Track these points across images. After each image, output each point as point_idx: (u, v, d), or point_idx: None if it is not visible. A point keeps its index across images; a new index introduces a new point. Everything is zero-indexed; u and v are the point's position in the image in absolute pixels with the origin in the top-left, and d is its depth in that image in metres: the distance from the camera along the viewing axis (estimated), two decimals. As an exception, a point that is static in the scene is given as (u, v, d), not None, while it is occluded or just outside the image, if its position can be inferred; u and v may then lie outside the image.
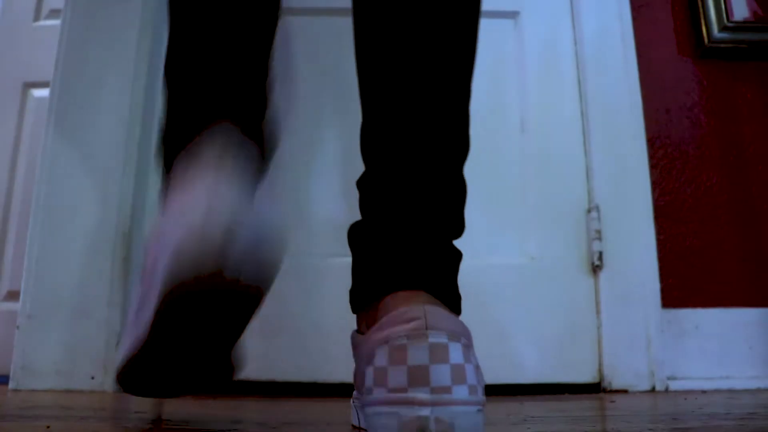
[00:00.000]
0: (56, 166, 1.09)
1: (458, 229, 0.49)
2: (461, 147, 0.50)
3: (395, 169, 0.47)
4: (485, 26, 1.37)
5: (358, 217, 0.50)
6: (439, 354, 0.38)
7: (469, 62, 0.51)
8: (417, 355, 0.37)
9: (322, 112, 1.20)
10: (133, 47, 1.14)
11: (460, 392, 0.37)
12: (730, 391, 1.05)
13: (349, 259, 0.50)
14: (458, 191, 0.49)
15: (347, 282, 0.50)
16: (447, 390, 0.37)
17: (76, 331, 1.04)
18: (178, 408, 0.72)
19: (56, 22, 1.24)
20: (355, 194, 0.51)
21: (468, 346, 0.40)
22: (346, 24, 0.54)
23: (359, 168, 0.51)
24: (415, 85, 0.48)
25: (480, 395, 0.39)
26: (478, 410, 0.39)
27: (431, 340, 0.38)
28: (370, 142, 0.50)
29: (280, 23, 0.57)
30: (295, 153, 1.16)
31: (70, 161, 1.10)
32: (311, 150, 1.18)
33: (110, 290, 1.05)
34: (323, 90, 1.20)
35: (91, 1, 1.16)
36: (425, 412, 0.36)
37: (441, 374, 0.37)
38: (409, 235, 0.45)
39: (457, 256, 0.48)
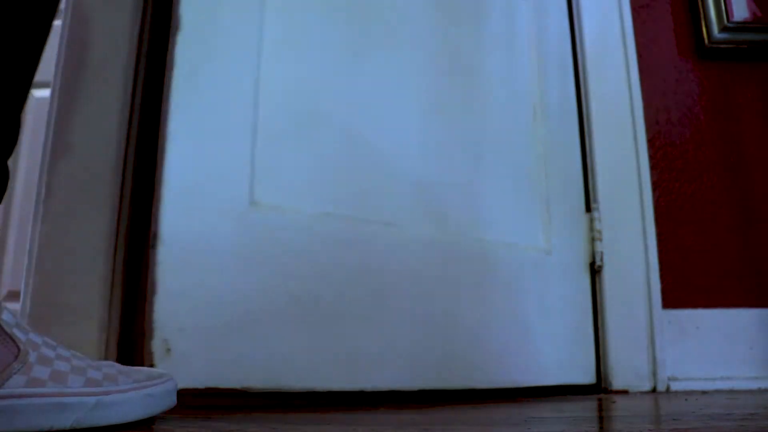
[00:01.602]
0: (56, 166, 1.09)
1: None
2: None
3: None
4: (501, 4, 1.32)
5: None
6: None
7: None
8: None
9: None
10: (134, 47, 1.14)
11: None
12: (731, 391, 1.05)
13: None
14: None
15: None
16: None
17: (76, 331, 1.03)
18: (177, 411, 0.72)
19: (56, 22, 1.24)
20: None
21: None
22: None
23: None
24: None
25: None
26: None
27: None
28: None
29: None
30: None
31: (70, 161, 1.10)
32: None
33: (110, 290, 1.05)
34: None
35: (91, 1, 1.16)
36: None
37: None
38: None
39: None
